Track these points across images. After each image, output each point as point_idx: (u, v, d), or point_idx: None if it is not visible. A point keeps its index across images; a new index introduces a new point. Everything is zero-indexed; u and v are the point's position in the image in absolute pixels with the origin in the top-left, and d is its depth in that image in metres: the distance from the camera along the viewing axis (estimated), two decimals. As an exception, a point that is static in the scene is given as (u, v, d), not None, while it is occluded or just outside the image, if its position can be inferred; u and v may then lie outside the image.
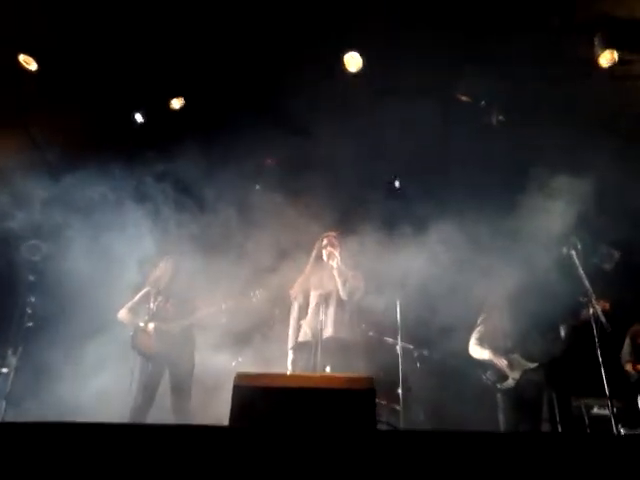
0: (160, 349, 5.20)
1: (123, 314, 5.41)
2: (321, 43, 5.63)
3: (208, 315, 5.46)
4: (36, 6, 5.33)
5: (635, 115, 6.14)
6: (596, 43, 5.46)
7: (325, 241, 5.33)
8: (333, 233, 5.37)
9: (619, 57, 5.45)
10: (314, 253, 5.35)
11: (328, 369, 4.62)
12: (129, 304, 5.45)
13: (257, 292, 5.64)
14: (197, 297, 5.57)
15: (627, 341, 5.77)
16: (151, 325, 5.25)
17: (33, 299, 5.72)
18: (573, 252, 4.60)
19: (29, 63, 5.93)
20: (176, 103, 6.59)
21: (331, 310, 4.90)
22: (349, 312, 5.04)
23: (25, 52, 5.89)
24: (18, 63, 5.88)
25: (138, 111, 6.65)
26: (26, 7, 5.33)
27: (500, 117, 6.21)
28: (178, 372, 5.27)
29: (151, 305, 5.37)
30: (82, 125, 6.42)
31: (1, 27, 5.48)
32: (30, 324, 5.72)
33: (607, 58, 5.46)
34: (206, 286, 5.65)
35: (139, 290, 5.57)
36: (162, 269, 5.62)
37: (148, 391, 5.12)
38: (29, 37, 5.76)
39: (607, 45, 5.42)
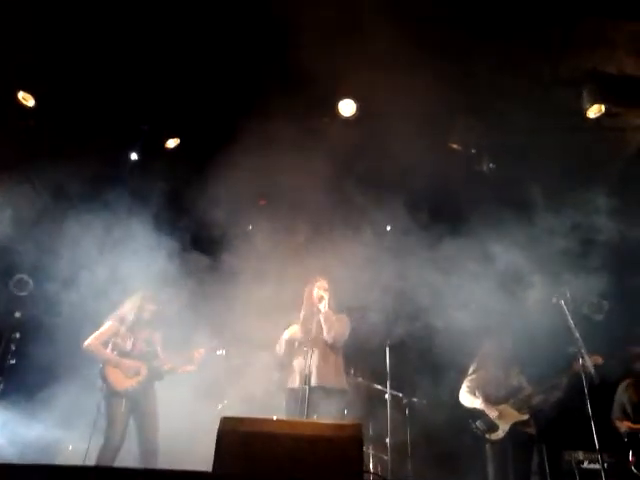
0: (130, 386, 5.06)
1: (94, 345, 5.15)
2: (315, 89, 5.73)
3: (173, 363, 5.34)
4: (34, 44, 5.43)
5: (623, 164, 6.28)
6: (584, 96, 5.64)
7: (313, 287, 5.23)
8: (323, 279, 5.29)
9: (606, 109, 5.64)
10: (307, 299, 5.22)
11: (315, 417, 4.54)
12: (97, 335, 5.19)
13: (222, 351, 5.54)
14: (160, 342, 5.45)
15: (617, 397, 5.63)
16: (126, 361, 5.12)
17: (18, 335, 5.61)
18: (562, 302, 4.60)
19: (27, 100, 6.02)
20: (172, 143, 6.65)
21: (315, 357, 4.82)
22: (334, 358, 4.97)
23: (24, 89, 5.98)
24: (17, 100, 5.97)
25: (133, 149, 6.69)
26: (25, 45, 5.43)
27: (491, 165, 6.33)
28: (142, 415, 5.12)
29: (118, 340, 5.20)
30: (79, 161, 6.44)
31: (1, 64, 5.57)
32: (13, 362, 5.59)
33: (595, 110, 5.65)
34: (173, 332, 5.56)
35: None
36: (129, 306, 5.43)
37: (123, 428, 4.95)
38: (28, 74, 5.85)
39: (595, 98, 5.60)
